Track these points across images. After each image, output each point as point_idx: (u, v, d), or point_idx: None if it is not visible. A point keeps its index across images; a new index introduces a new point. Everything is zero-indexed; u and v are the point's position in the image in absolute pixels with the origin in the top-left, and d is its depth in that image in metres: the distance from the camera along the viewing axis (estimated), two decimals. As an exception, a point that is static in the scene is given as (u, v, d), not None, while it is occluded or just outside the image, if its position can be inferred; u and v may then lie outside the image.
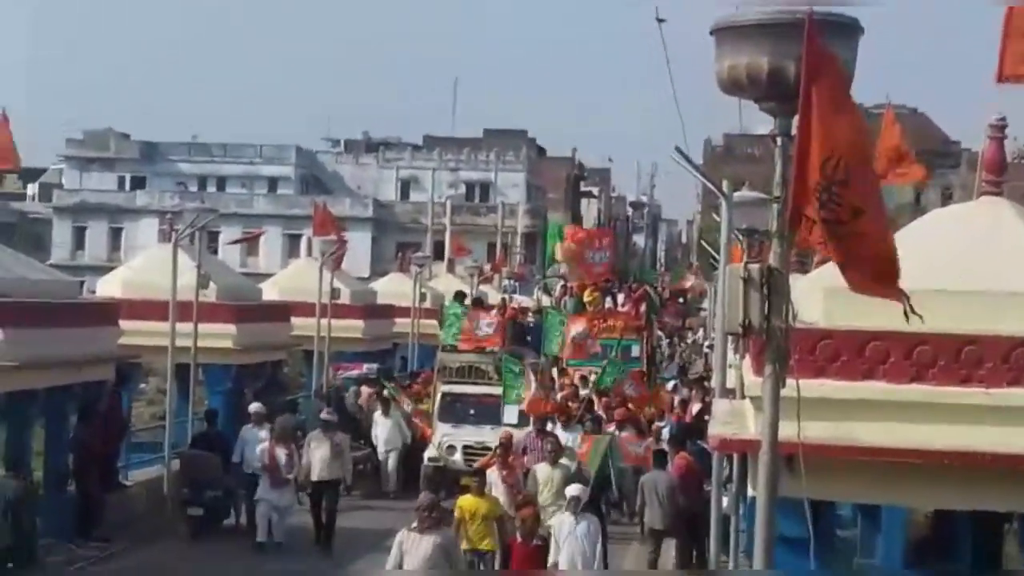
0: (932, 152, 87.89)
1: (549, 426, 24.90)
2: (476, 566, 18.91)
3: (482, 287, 50.48)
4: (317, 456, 24.23)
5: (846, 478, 11.24)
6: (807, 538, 10.67)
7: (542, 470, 21.71)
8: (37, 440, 23.48)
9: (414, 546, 16.01)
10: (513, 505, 19.91)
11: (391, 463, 29.99)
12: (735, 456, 17.23)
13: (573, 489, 18.75)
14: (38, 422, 23.51)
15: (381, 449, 30.05)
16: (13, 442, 22.56)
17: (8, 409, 21.85)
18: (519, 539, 17.67)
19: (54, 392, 22.81)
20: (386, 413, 30.46)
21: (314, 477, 24.26)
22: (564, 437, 25.18)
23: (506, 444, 23.06)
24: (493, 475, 21.32)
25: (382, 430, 30.17)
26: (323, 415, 25.49)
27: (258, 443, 24.38)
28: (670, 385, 38.54)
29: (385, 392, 31.36)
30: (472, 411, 28.74)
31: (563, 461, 22.08)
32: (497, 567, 18.35)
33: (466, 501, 19.51)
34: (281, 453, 23.87)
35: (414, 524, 16.15)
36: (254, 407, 25.86)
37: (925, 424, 10.97)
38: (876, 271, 8.08)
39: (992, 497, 11.33)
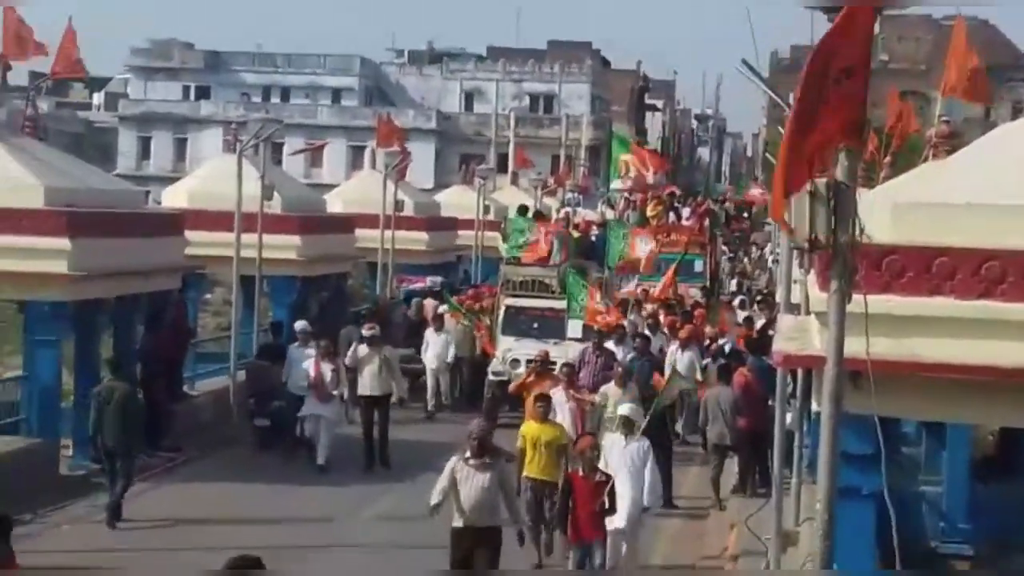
0: (1003, 66, 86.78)
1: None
2: (540, 498, 17.93)
3: (546, 200, 50.40)
4: (366, 371, 24.04)
5: (911, 395, 11.17)
6: (871, 454, 10.65)
7: (612, 392, 21.31)
8: (106, 349, 23.73)
9: (466, 479, 14.90)
10: (577, 430, 19.72)
11: (441, 383, 29.53)
12: (799, 372, 17.22)
13: (625, 408, 18.35)
14: (107, 331, 23.78)
15: (431, 367, 29.40)
16: (119, 346, 23.45)
17: (78, 318, 22.08)
18: (580, 473, 16.34)
19: (122, 301, 23.05)
20: (438, 330, 29.76)
21: (364, 392, 24.07)
22: (618, 353, 25.65)
23: (572, 364, 22.88)
24: (559, 397, 20.67)
25: (432, 348, 29.49)
26: (365, 331, 25.09)
27: (304, 362, 24.02)
28: (737, 301, 38.44)
29: (441, 308, 30.97)
30: (535, 324, 28.61)
31: (631, 384, 21.64)
32: (558, 500, 16.88)
33: (529, 428, 18.63)
34: (327, 369, 23.55)
35: (467, 454, 15.01)
36: (299, 325, 25.48)
37: (992, 341, 10.86)
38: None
39: (1058, 415, 11.24)
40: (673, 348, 27.02)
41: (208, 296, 38.00)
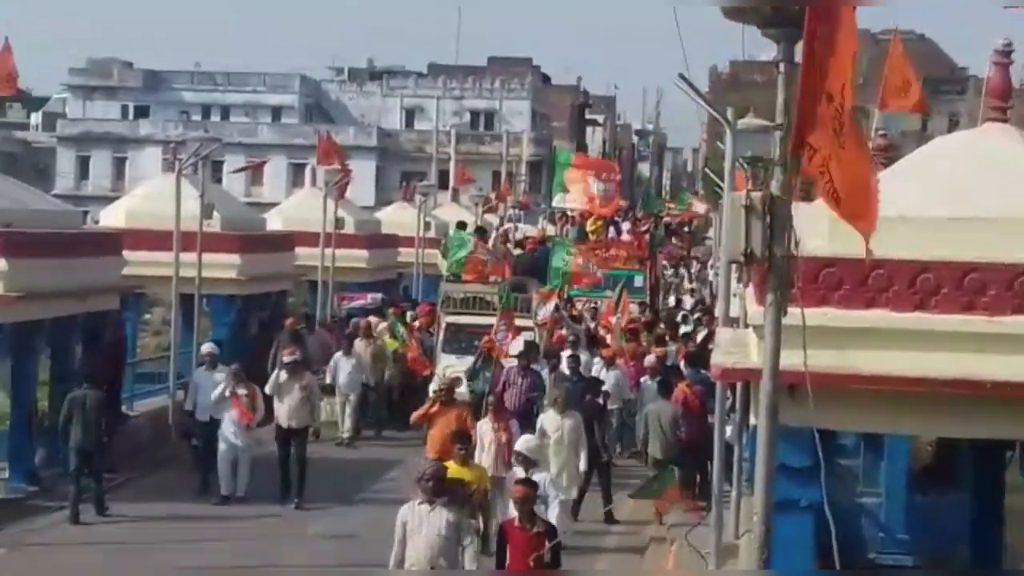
0: (939, 79, 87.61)
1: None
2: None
3: (487, 216, 50.41)
4: (286, 401, 22.64)
5: (848, 407, 11.22)
6: (809, 467, 10.69)
7: (550, 419, 20.59)
8: (43, 370, 23.54)
9: (420, 524, 13.40)
10: (505, 464, 18.69)
11: (347, 409, 27.94)
12: (738, 386, 17.27)
13: (520, 444, 17.49)
14: (44, 353, 23.57)
15: (341, 392, 27.95)
16: (57, 368, 23.67)
17: (14, 340, 21.89)
18: (516, 523, 13.77)
19: (59, 322, 22.87)
20: (347, 352, 28.35)
21: (282, 423, 22.68)
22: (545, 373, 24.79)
23: (497, 393, 21.85)
24: (484, 428, 19.60)
25: (341, 373, 27.97)
26: (285, 356, 23.42)
27: (212, 387, 22.66)
28: (679, 316, 38.50)
29: (380, 325, 30.21)
30: (476, 342, 27.11)
31: (573, 409, 20.89)
32: (489, 552, 15.19)
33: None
34: (241, 394, 22.24)
35: (419, 499, 13.56)
36: (206, 347, 24.26)
37: (928, 352, 10.94)
38: (862, 199, 8.03)
39: (994, 425, 11.31)
40: (598, 366, 26.48)
41: (147, 316, 37.82)
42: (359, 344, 28.81)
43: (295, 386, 22.64)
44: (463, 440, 17.29)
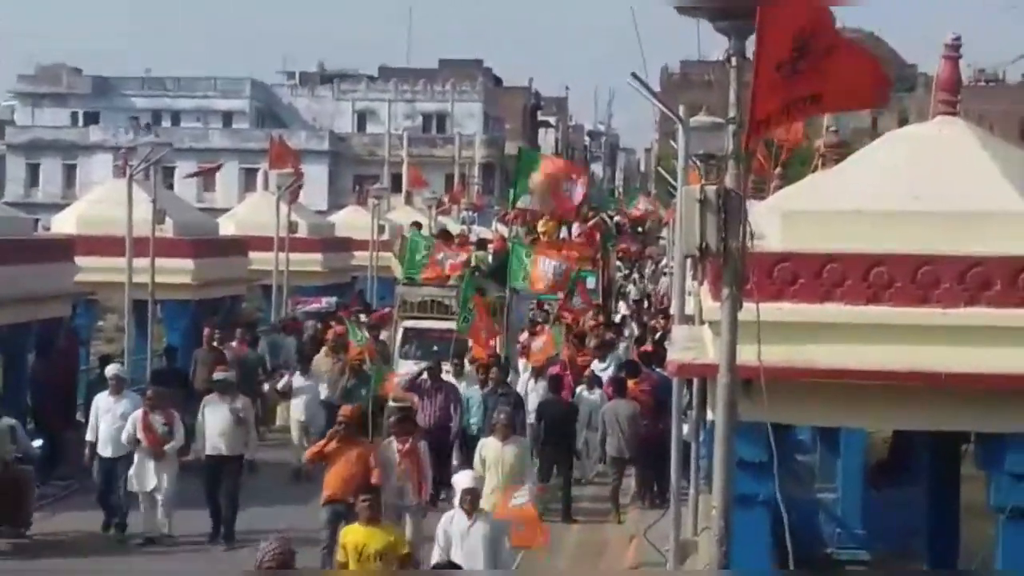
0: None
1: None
2: None
3: (441, 218, 50.38)
4: (212, 426, 19.95)
5: (804, 401, 11.27)
6: (766, 462, 10.72)
7: (490, 448, 18.40)
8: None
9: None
10: (415, 492, 17.24)
11: (307, 440, 23.60)
12: (695, 382, 17.32)
13: (465, 479, 14.56)
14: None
15: (299, 419, 24.93)
16: (9, 375, 23.03)
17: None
18: None
19: (11, 329, 22.72)
20: (305, 372, 25.46)
21: (208, 451, 19.99)
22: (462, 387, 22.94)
23: (407, 407, 19.64)
24: (389, 451, 17.51)
25: (296, 398, 25.12)
26: (216, 375, 21.10)
27: (116, 415, 20.04)
28: (619, 317, 38.39)
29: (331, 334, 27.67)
30: (436, 347, 26.01)
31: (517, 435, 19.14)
32: None
33: (351, 533, 14.08)
34: (157, 422, 19.54)
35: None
36: (111, 370, 21.30)
37: (883, 345, 10.99)
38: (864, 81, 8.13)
39: (950, 417, 11.38)
40: (525, 377, 24.75)
41: (100, 323, 37.59)
42: (321, 361, 26.05)
43: (223, 407, 20.03)
44: (370, 495, 14.38)
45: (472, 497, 14.11)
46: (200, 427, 20.03)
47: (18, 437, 20.11)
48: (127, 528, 20.07)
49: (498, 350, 25.37)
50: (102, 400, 20.41)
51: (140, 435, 19.43)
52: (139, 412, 19.59)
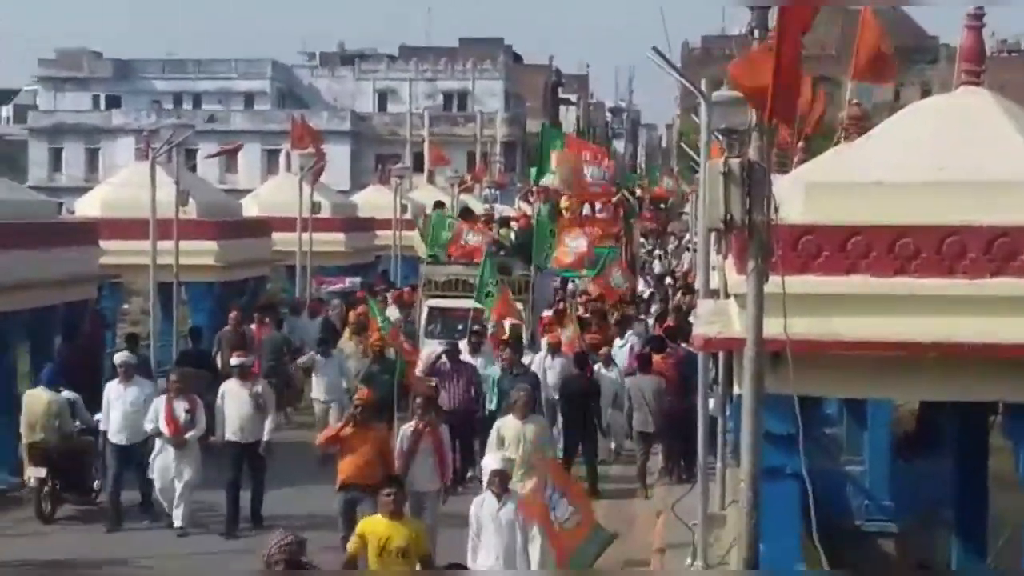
0: (910, 48, 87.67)
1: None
2: None
3: (463, 196, 50.36)
4: (234, 411, 19.52)
5: (831, 373, 11.27)
6: (794, 434, 10.73)
7: (509, 426, 17.84)
8: (23, 362, 23.47)
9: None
10: (437, 476, 16.94)
11: (331, 418, 23.23)
12: (720, 356, 17.30)
13: (494, 461, 14.45)
14: (22, 344, 23.50)
15: (319, 400, 24.64)
16: (36, 359, 22.84)
17: (-8, 331, 21.83)
18: None
19: (37, 313, 22.79)
20: (327, 353, 24.81)
21: (229, 437, 19.54)
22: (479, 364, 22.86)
23: (426, 400, 17.70)
24: (408, 433, 17.06)
25: (318, 377, 24.66)
26: (234, 359, 20.46)
27: (126, 403, 19.76)
28: (647, 293, 38.40)
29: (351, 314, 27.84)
30: (460, 326, 26.01)
31: (535, 414, 18.56)
32: None
33: (372, 525, 13.50)
34: (180, 409, 19.20)
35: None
36: (119, 357, 20.77)
37: (909, 316, 10.98)
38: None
39: (976, 387, 11.36)
40: (542, 355, 24.12)
41: (126, 306, 37.69)
42: (345, 344, 26.10)
43: (244, 392, 19.59)
44: (394, 487, 13.61)
45: (500, 479, 13.87)
46: (220, 413, 19.64)
47: (77, 409, 20.48)
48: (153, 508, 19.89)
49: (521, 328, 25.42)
50: (112, 388, 20.04)
51: (162, 425, 19.12)
52: (162, 400, 19.28)
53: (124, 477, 19.76)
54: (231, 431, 19.52)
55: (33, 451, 19.89)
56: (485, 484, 14.06)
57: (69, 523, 19.94)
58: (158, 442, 19.31)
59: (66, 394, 20.33)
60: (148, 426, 19.28)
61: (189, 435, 19.19)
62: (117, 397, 19.86)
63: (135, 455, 19.73)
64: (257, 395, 19.59)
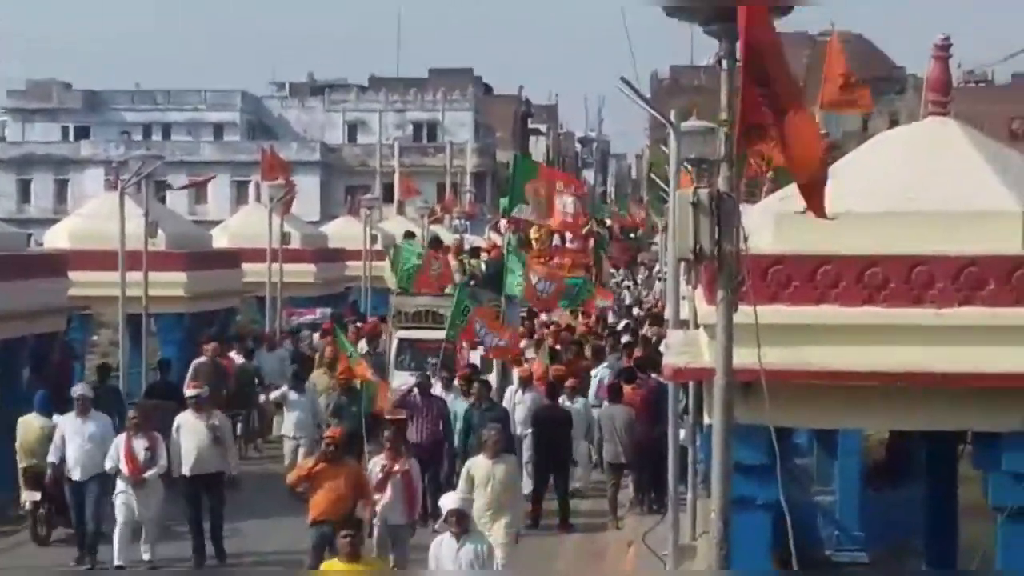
0: (878, 78, 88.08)
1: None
2: None
3: (433, 227, 50.40)
4: (188, 445, 19.29)
5: (801, 404, 11.26)
6: (764, 465, 10.71)
7: (479, 466, 17.54)
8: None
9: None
10: (405, 511, 17.05)
11: (299, 456, 22.87)
12: (691, 386, 17.31)
13: (452, 500, 14.29)
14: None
15: (288, 436, 24.28)
16: (5, 390, 22.49)
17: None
18: None
19: (6, 345, 22.71)
20: (299, 389, 24.56)
21: (186, 472, 19.32)
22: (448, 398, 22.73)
23: (401, 417, 19.46)
24: (378, 466, 17.19)
25: (289, 413, 24.41)
26: (189, 391, 20.33)
27: (84, 437, 19.35)
28: (621, 325, 38.37)
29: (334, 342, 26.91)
30: (430, 359, 25.60)
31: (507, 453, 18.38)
32: None
33: (331, 567, 13.67)
34: (139, 447, 18.77)
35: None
36: (78, 390, 20.22)
37: (878, 346, 11.00)
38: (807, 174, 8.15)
39: (945, 417, 11.38)
40: (512, 388, 24.18)
41: (95, 338, 37.57)
42: (318, 378, 25.96)
43: (201, 424, 19.34)
44: (350, 527, 13.84)
45: (458, 518, 13.74)
46: (175, 447, 19.30)
47: None
48: (97, 554, 19.27)
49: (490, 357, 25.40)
50: (69, 422, 19.53)
51: (121, 463, 18.69)
52: (122, 438, 18.86)
53: (81, 512, 19.36)
54: (188, 465, 19.28)
55: (28, 475, 20.21)
56: (440, 523, 13.94)
57: (65, 546, 19.98)
58: (119, 481, 18.87)
59: (57, 419, 20.28)
60: (107, 464, 18.84)
61: (149, 474, 18.75)
62: (74, 432, 19.39)
63: (91, 490, 19.24)
64: (214, 427, 19.33)
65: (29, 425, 20.42)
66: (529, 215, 34.54)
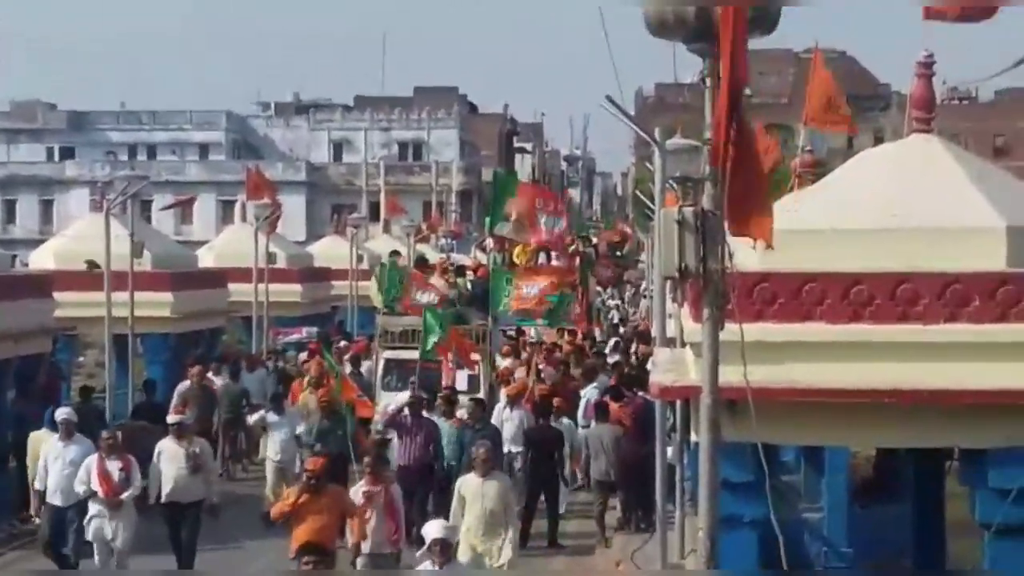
0: (862, 95, 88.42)
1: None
2: None
3: (419, 246, 50.37)
4: (168, 472, 18.80)
5: (787, 421, 11.26)
6: (752, 482, 10.72)
7: (469, 484, 17.47)
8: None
9: None
10: (390, 540, 16.58)
11: (282, 480, 22.47)
12: (678, 404, 17.32)
13: (435, 528, 13.70)
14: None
15: (272, 459, 23.48)
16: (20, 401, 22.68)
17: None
18: None
19: (-9, 366, 22.68)
20: (279, 411, 23.85)
21: (164, 499, 18.85)
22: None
23: (382, 438, 19.36)
24: (358, 494, 16.72)
25: (273, 436, 23.58)
26: (170, 417, 20.01)
27: (65, 461, 18.92)
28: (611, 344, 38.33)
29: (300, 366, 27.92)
30: (412, 379, 24.93)
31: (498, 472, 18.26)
32: None
33: None
34: (113, 469, 18.19)
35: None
36: (61, 414, 19.78)
37: (864, 363, 11.01)
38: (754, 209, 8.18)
39: (932, 434, 11.40)
40: (500, 406, 24.01)
41: (81, 358, 37.50)
42: (309, 398, 24.56)
43: (180, 452, 18.78)
44: (320, 556, 13.47)
45: (442, 548, 13.31)
46: (154, 472, 18.82)
47: None
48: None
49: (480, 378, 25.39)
50: (51, 445, 19.21)
51: (95, 484, 18.09)
52: (94, 459, 18.26)
53: (61, 540, 18.90)
54: (166, 493, 18.84)
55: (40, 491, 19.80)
56: (422, 552, 13.53)
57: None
58: (91, 504, 18.31)
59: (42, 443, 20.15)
60: (80, 488, 18.27)
61: (124, 495, 18.21)
62: (56, 456, 19.03)
63: (72, 519, 18.78)
64: (194, 455, 18.82)
65: (40, 441, 20.18)
66: (508, 233, 34.43)
